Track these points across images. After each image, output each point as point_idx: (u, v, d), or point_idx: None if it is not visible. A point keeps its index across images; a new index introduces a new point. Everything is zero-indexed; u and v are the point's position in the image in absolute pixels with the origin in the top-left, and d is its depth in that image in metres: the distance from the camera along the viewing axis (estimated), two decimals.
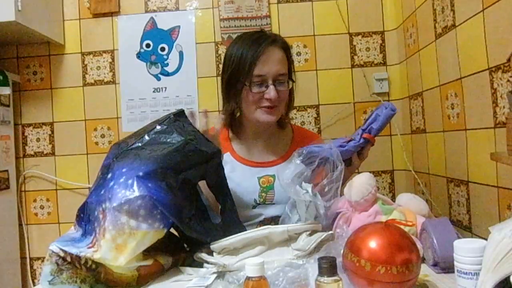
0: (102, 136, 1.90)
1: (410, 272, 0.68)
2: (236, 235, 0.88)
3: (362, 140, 1.08)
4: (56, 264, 0.79)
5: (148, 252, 0.85)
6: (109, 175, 0.85)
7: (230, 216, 0.99)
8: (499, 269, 0.59)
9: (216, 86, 1.83)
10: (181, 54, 1.88)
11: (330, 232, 0.87)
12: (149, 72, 1.89)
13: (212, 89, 1.85)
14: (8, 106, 1.81)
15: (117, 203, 0.80)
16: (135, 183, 0.82)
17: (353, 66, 1.85)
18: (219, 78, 1.31)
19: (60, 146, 1.90)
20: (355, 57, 1.85)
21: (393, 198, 1.11)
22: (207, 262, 0.87)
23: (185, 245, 0.99)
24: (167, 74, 1.88)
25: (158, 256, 0.88)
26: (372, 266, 0.67)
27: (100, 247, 0.79)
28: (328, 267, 0.64)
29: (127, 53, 1.89)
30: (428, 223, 0.88)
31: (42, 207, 1.90)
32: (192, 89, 1.88)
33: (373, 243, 0.70)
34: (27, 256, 1.88)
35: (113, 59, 1.89)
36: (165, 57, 1.88)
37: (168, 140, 0.92)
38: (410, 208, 0.99)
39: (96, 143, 1.90)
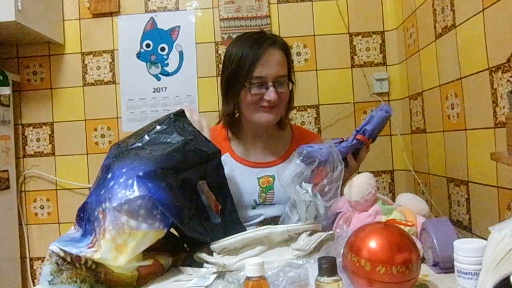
0: (102, 136, 1.90)
1: (410, 272, 0.68)
2: (236, 235, 0.88)
3: (354, 141, 1.07)
4: (56, 264, 0.79)
5: (148, 252, 0.85)
6: (109, 175, 0.85)
7: (230, 216, 0.99)
8: (499, 269, 0.59)
9: (216, 86, 1.83)
10: (181, 54, 1.88)
11: (330, 232, 0.87)
12: (149, 72, 1.89)
13: (212, 89, 1.85)
14: (8, 106, 1.81)
15: (117, 203, 0.80)
16: (135, 183, 0.82)
17: (353, 66, 1.85)
18: (219, 78, 1.31)
19: (60, 146, 1.90)
20: (355, 57, 1.85)
21: (393, 198, 1.11)
22: (207, 262, 0.87)
23: (185, 245, 0.99)
24: (167, 74, 1.88)
25: (158, 256, 0.88)
26: (372, 266, 0.67)
27: (100, 247, 0.79)
28: (328, 267, 0.64)
29: (127, 53, 1.89)
30: (428, 223, 0.88)
31: (42, 207, 1.90)
32: (192, 89, 1.88)
33: (373, 243, 0.70)
34: (27, 256, 1.88)
35: (113, 59, 1.89)
36: (165, 57, 1.88)
37: (168, 140, 0.92)
38: (410, 208, 0.99)
39: (96, 143, 1.90)
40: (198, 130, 0.99)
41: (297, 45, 1.86)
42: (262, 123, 1.21)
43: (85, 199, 0.88)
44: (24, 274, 1.87)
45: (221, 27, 1.85)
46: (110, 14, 1.89)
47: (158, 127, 0.94)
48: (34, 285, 1.85)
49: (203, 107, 1.86)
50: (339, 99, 1.84)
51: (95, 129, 1.90)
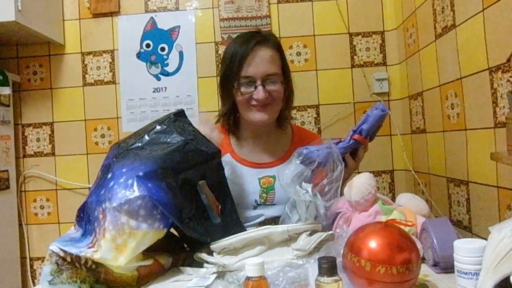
0: (102, 136, 1.90)
1: (410, 272, 0.68)
2: (236, 235, 0.88)
3: (351, 141, 1.06)
4: (56, 264, 0.79)
5: (148, 252, 0.85)
6: (109, 175, 0.85)
7: (230, 216, 0.99)
8: (499, 269, 0.59)
9: (216, 86, 1.83)
10: (181, 54, 1.88)
11: (330, 232, 0.87)
12: (149, 72, 1.89)
13: (212, 89, 1.85)
14: (8, 106, 1.80)
15: (117, 203, 0.80)
16: (135, 183, 0.82)
17: (353, 66, 1.85)
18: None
19: (60, 146, 1.90)
20: (355, 57, 1.85)
21: (393, 198, 1.11)
22: (207, 262, 0.87)
23: (185, 245, 0.99)
24: (167, 74, 1.88)
25: (158, 256, 0.88)
26: (372, 266, 0.67)
27: (100, 247, 0.79)
28: (328, 267, 0.64)
29: (127, 53, 1.89)
30: (428, 223, 0.88)
31: (42, 207, 1.90)
32: (192, 89, 1.88)
33: (373, 243, 0.70)
34: (27, 256, 1.88)
35: (113, 59, 1.89)
36: (165, 57, 1.88)
37: (168, 140, 0.92)
38: (410, 208, 0.99)
39: (96, 143, 1.90)
40: (198, 130, 0.99)
41: (297, 45, 1.86)
42: (256, 122, 1.21)
43: (85, 199, 0.88)
44: (24, 274, 1.87)
45: (221, 27, 1.85)
46: (110, 14, 1.89)
47: (158, 127, 0.94)
48: (34, 285, 1.85)
49: (203, 107, 1.86)
50: (339, 99, 1.84)
51: (95, 129, 1.90)
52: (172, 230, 0.90)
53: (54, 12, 1.85)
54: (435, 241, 0.83)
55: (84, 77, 1.90)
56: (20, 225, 1.86)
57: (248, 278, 0.64)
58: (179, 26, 1.88)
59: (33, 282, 1.87)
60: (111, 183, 0.83)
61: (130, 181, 0.82)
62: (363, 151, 1.12)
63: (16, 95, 1.89)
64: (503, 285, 0.58)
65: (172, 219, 0.83)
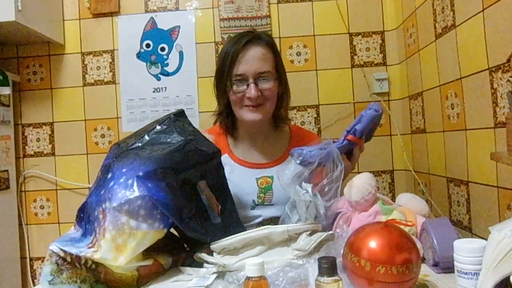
0: (102, 136, 1.90)
1: (410, 272, 0.68)
2: (236, 235, 0.88)
3: (345, 142, 1.06)
4: (56, 264, 0.79)
5: (148, 252, 0.85)
6: (109, 175, 0.85)
7: (230, 216, 0.99)
8: (499, 269, 0.59)
9: None
10: (181, 54, 1.88)
11: (330, 232, 0.87)
12: (149, 72, 1.89)
13: (212, 89, 1.84)
14: (8, 106, 1.80)
15: (117, 203, 0.80)
16: (135, 183, 0.82)
17: (353, 66, 1.85)
18: None
19: (60, 146, 1.90)
20: (355, 57, 1.85)
21: (393, 198, 1.11)
22: (207, 262, 0.87)
23: (185, 245, 0.99)
24: (167, 74, 1.88)
25: (158, 256, 0.88)
26: (372, 266, 0.67)
27: (100, 247, 0.79)
28: (328, 267, 0.64)
29: (127, 53, 1.89)
30: (428, 223, 0.88)
31: (42, 207, 1.90)
32: (192, 89, 1.88)
33: (373, 243, 0.70)
34: (27, 256, 1.88)
35: (113, 59, 1.89)
36: (165, 57, 1.88)
37: (168, 140, 0.92)
38: (410, 208, 0.99)
39: (96, 143, 1.90)
40: (198, 130, 0.99)
41: (297, 45, 1.86)
42: (249, 122, 1.21)
43: (85, 199, 0.88)
44: (24, 274, 1.87)
45: (221, 27, 1.85)
46: (110, 14, 1.88)
47: (158, 127, 0.94)
48: (34, 285, 1.85)
49: (203, 107, 1.86)
50: (339, 99, 1.84)
51: (95, 129, 1.90)
52: (172, 230, 0.90)
53: (54, 12, 1.85)
54: (435, 241, 0.83)
55: (84, 77, 1.90)
56: (20, 225, 1.86)
57: (248, 278, 0.64)
58: (179, 26, 1.88)
59: (33, 282, 1.87)
60: (111, 183, 0.83)
61: (130, 181, 0.82)
62: (359, 152, 1.11)
63: (16, 95, 1.89)
64: (503, 285, 0.58)
65: (172, 219, 0.83)
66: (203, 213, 0.93)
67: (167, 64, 1.88)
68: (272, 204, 1.22)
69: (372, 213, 0.96)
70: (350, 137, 1.05)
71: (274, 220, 1.19)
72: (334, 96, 1.84)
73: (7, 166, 1.78)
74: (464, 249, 0.69)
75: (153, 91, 1.88)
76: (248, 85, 1.16)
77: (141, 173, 0.83)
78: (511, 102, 0.92)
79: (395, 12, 1.80)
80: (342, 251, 0.75)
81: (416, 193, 1.52)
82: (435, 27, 1.36)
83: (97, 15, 1.89)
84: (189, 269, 0.89)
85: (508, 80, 0.97)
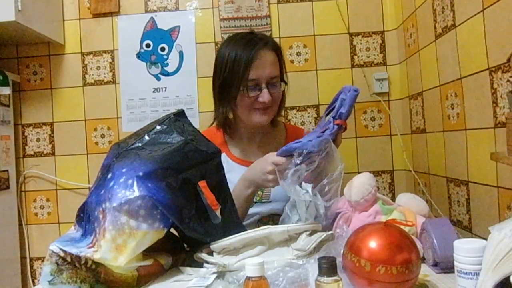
0: (102, 136, 1.90)
1: (410, 272, 0.68)
2: (236, 235, 0.88)
3: (336, 127, 1.06)
4: (56, 264, 0.79)
5: (148, 252, 0.85)
6: (109, 175, 0.85)
7: (230, 216, 0.99)
8: (499, 269, 0.59)
9: None
10: (181, 54, 1.88)
11: (330, 232, 0.87)
12: (149, 72, 1.89)
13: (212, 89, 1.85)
14: (8, 106, 1.80)
15: (117, 203, 0.80)
16: (135, 183, 0.82)
17: (353, 66, 1.85)
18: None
19: (60, 146, 1.90)
20: (355, 57, 1.85)
21: (393, 198, 1.11)
22: (207, 262, 0.87)
23: (185, 245, 0.99)
24: (167, 74, 1.88)
25: (158, 256, 0.88)
26: (372, 266, 0.67)
27: (100, 247, 0.79)
28: (328, 267, 0.64)
29: (127, 53, 1.89)
30: (428, 223, 0.88)
31: (42, 207, 1.90)
32: (192, 89, 1.88)
33: (373, 243, 0.70)
34: (27, 256, 1.88)
35: (113, 59, 1.89)
36: (165, 57, 1.88)
37: (168, 140, 0.92)
38: (410, 208, 0.99)
39: (96, 143, 1.90)
40: (198, 130, 0.99)
41: (297, 45, 1.86)
42: (256, 124, 1.24)
43: (85, 199, 0.88)
44: (24, 274, 1.87)
45: (221, 27, 1.85)
46: (110, 14, 1.89)
47: (158, 127, 0.94)
48: (34, 285, 1.85)
49: (203, 107, 1.86)
50: None
51: (95, 129, 1.90)
52: (172, 230, 0.90)
53: (54, 12, 1.85)
54: (435, 241, 0.83)
55: (84, 77, 1.90)
56: (20, 225, 1.86)
57: (248, 278, 0.64)
58: (179, 26, 1.88)
59: (33, 282, 1.87)
60: (111, 183, 0.83)
61: (130, 181, 0.82)
62: (341, 135, 1.12)
63: (16, 95, 1.89)
64: (503, 285, 0.58)
65: (172, 219, 0.83)
66: (203, 213, 0.93)
67: (167, 64, 1.88)
68: (270, 201, 1.25)
69: (372, 213, 0.96)
70: (338, 121, 1.06)
71: (272, 217, 1.22)
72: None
73: (7, 166, 1.78)
74: (464, 249, 0.69)
75: (153, 91, 1.88)
76: (260, 90, 1.18)
77: (141, 173, 0.83)
78: (511, 102, 0.92)
79: (395, 12, 1.80)
80: (342, 251, 0.75)
81: (416, 193, 1.52)
82: (435, 27, 1.36)
83: (97, 15, 1.89)
84: (189, 269, 0.89)
85: (508, 80, 0.97)
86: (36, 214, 1.90)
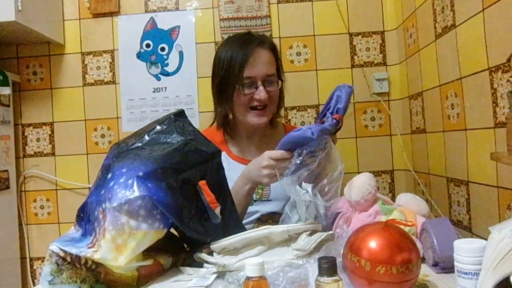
0: (102, 136, 1.90)
1: (410, 272, 0.68)
2: (236, 235, 0.88)
3: (334, 121, 1.06)
4: (56, 264, 0.79)
5: (148, 252, 0.85)
6: (109, 175, 0.85)
7: (230, 216, 0.99)
8: (499, 269, 0.59)
9: None
10: (181, 54, 1.88)
11: (330, 232, 0.87)
12: (149, 72, 1.89)
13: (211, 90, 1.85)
14: (8, 106, 1.80)
15: (117, 203, 0.80)
16: (135, 183, 0.82)
17: (353, 66, 1.85)
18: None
19: (60, 146, 1.90)
20: (355, 57, 1.85)
21: (393, 198, 1.11)
22: (207, 262, 0.87)
23: (185, 245, 0.99)
24: (167, 74, 1.88)
25: (158, 256, 0.88)
26: (372, 266, 0.67)
27: (100, 247, 0.79)
28: (328, 267, 0.64)
29: (127, 53, 1.89)
30: (428, 223, 0.88)
31: (42, 207, 1.90)
32: (192, 89, 1.88)
33: (373, 243, 0.70)
34: (27, 256, 1.88)
35: (113, 59, 1.89)
36: (165, 57, 1.88)
37: (168, 140, 0.92)
38: (410, 208, 0.99)
39: (96, 143, 1.90)
40: (198, 130, 0.99)
41: (297, 45, 1.86)
42: (254, 125, 1.25)
43: (85, 199, 0.88)
44: (24, 274, 1.87)
45: (221, 27, 1.85)
46: (110, 14, 1.88)
47: (158, 127, 0.94)
48: (34, 285, 1.85)
49: (203, 107, 1.86)
50: None
51: (95, 129, 1.90)
52: (172, 230, 0.90)
53: (54, 12, 1.85)
54: (435, 241, 0.83)
55: (84, 77, 1.90)
56: (20, 225, 1.86)
57: (248, 278, 0.64)
58: (179, 26, 1.88)
59: (33, 282, 1.87)
60: (111, 183, 0.83)
61: (130, 181, 0.82)
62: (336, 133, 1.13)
63: (16, 95, 1.89)
64: (503, 285, 0.58)
65: (172, 219, 0.83)
66: (203, 213, 0.93)
67: (167, 64, 1.88)
68: (270, 200, 1.26)
69: (372, 213, 0.96)
70: (336, 115, 1.06)
71: (272, 216, 1.22)
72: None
73: (7, 166, 1.78)
74: (464, 249, 0.69)
75: (153, 91, 1.88)
76: (256, 87, 1.19)
77: (141, 173, 0.83)
78: (511, 102, 0.92)
79: (395, 12, 1.80)
80: (342, 251, 0.75)
81: (416, 193, 1.52)
82: (435, 27, 1.36)
83: (97, 15, 1.89)
84: (189, 269, 0.89)
85: (508, 80, 0.97)
86: (36, 214, 1.90)
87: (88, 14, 1.89)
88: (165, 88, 1.89)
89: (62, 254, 0.79)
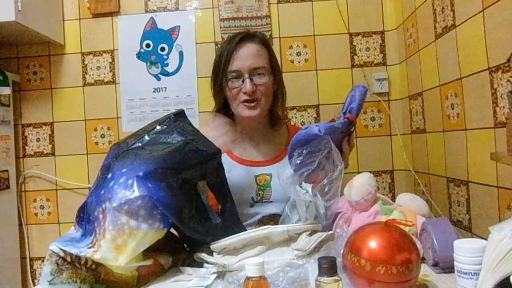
0: (102, 136, 1.90)
1: (410, 272, 0.68)
2: (236, 235, 0.88)
3: (346, 120, 1.06)
4: (56, 264, 0.79)
5: (148, 252, 0.85)
6: (109, 175, 0.85)
7: (230, 216, 0.99)
8: (499, 269, 0.59)
9: None
10: (181, 54, 1.88)
11: (330, 232, 0.87)
12: (149, 72, 1.89)
13: (210, 89, 1.85)
14: (8, 106, 1.80)
15: (117, 203, 0.80)
16: (135, 183, 0.82)
17: (353, 66, 1.85)
18: None
19: (60, 146, 1.90)
20: (355, 57, 1.85)
21: (393, 198, 1.11)
22: (207, 262, 0.87)
23: (185, 245, 0.99)
24: (167, 74, 1.88)
25: (158, 256, 0.88)
26: (372, 266, 0.67)
27: (100, 247, 0.79)
28: (328, 267, 0.64)
29: (127, 53, 1.89)
30: (428, 223, 0.88)
31: (42, 207, 1.90)
32: (192, 89, 1.88)
33: (373, 243, 0.70)
34: (27, 256, 1.88)
35: (113, 59, 1.89)
36: (165, 57, 1.88)
37: (168, 140, 0.92)
38: (410, 208, 0.99)
39: (96, 143, 1.90)
40: (198, 130, 0.99)
41: (297, 45, 1.86)
42: (246, 117, 1.24)
43: (85, 199, 0.88)
44: (24, 274, 1.87)
45: (221, 27, 1.85)
46: (110, 14, 1.88)
47: (158, 127, 0.94)
48: (34, 285, 1.85)
49: (203, 107, 1.86)
50: (339, 99, 1.84)
51: (95, 129, 1.90)
52: (172, 230, 0.90)
53: (54, 12, 1.85)
54: (435, 241, 0.83)
55: (84, 77, 1.90)
56: (20, 225, 1.86)
57: (248, 278, 0.64)
58: (179, 26, 1.88)
59: (33, 282, 1.87)
60: (111, 183, 0.83)
61: (130, 181, 0.82)
62: (353, 136, 1.14)
63: (16, 95, 1.89)
64: (503, 285, 0.58)
65: (172, 219, 0.83)
66: (203, 213, 0.93)
67: (167, 64, 1.88)
68: (271, 201, 1.24)
69: (372, 213, 0.96)
70: (349, 115, 1.06)
71: (273, 217, 1.21)
72: (334, 96, 1.84)
73: (7, 166, 1.78)
74: (464, 249, 0.69)
75: (153, 91, 1.88)
76: (243, 81, 1.19)
77: (141, 173, 0.83)
78: (511, 102, 0.92)
79: (395, 12, 1.80)
80: (342, 251, 0.75)
81: (416, 193, 1.52)
82: (435, 27, 1.36)
83: (97, 15, 1.89)
84: (189, 269, 0.89)
85: (508, 80, 0.97)
86: (36, 214, 1.90)
87: (88, 14, 1.89)
88: (165, 88, 1.89)
89: (62, 254, 0.79)
